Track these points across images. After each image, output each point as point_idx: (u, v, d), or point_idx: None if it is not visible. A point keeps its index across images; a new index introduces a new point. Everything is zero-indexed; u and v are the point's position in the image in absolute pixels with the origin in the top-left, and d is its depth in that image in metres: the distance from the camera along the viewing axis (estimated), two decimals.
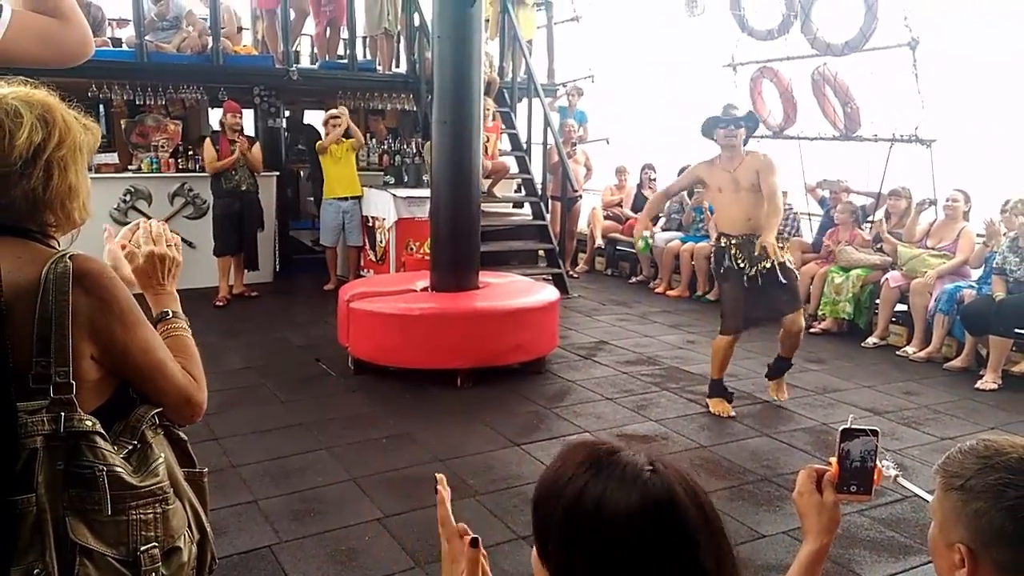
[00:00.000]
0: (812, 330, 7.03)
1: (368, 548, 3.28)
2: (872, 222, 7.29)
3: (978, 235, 6.44)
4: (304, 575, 3.09)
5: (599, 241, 9.86)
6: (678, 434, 4.58)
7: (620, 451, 1.08)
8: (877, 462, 1.48)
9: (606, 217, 9.88)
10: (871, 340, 6.66)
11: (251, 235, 7.75)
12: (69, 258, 1.40)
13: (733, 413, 4.90)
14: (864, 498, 1.50)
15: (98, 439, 1.40)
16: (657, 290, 8.71)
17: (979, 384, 5.57)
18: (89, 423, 1.39)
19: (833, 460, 1.49)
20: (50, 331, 1.36)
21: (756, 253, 4.74)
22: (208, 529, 1.65)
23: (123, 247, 1.73)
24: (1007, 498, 1.14)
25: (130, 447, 1.47)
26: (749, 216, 4.80)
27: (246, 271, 7.90)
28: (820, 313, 7.08)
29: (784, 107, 8.17)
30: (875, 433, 1.47)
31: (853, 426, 1.47)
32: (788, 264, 4.84)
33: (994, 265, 6.02)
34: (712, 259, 5.14)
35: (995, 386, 5.53)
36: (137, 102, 8.20)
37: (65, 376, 1.37)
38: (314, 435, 4.44)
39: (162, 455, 1.53)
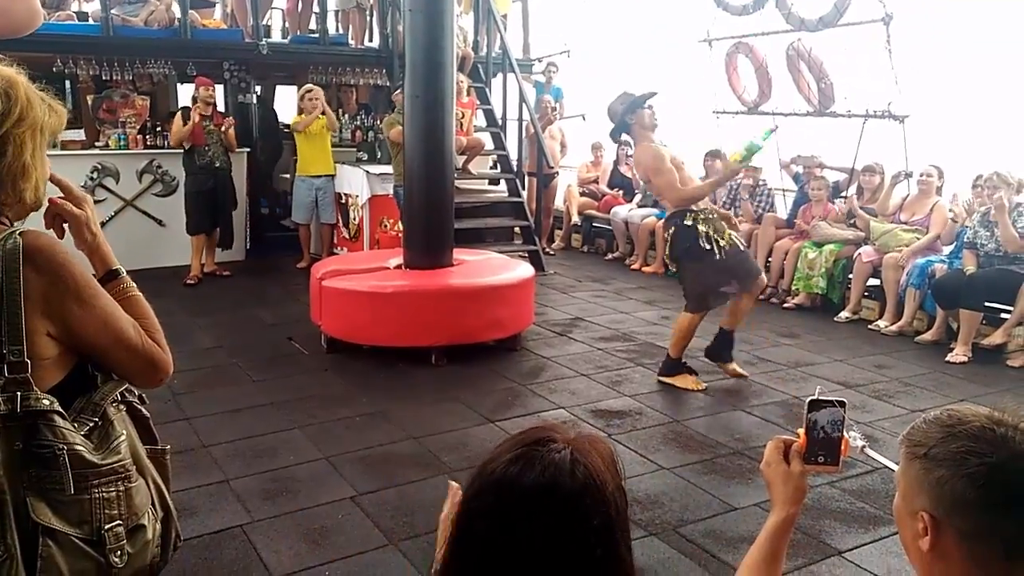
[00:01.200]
0: (785, 305, 7.09)
1: (341, 526, 3.25)
2: (845, 197, 7.32)
3: (949, 209, 6.49)
4: (276, 554, 3.06)
5: (575, 218, 9.83)
6: (652, 409, 4.59)
7: (550, 441, 1.12)
8: (844, 433, 1.48)
9: (582, 194, 9.85)
10: (843, 314, 6.72)
11: (226, 213, 7.64)
12: (19, 235, 1.36)
13: (704, 386, 4.90)
14: (832, 469, 1.50)
15: (56, 418, 1.37)
16: (633, 267, 8.72)
17: (950, 357, 5.63)
18: (47, 402, 1.36)
19: (801, 431, 1.49)
20: (1, 310, 1.33)
21: (724, 230, 4.76)
22: (172, 507, 1.63)
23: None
24: (969, 465, 1.14)
25: (91, 424, 1.44)
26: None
27: (220, 250, 7.81)
28: (794, 288, 7.12)
29: (759, 83, 8.15)
30: (842, 404, 1.47)
31: (820, 397, 1.47)
32: (735, 239, 4.87)
33: (965, 239, 6.07)
34: (674, 239, 4.86)
35: (965, 359, 5.60)
36: (104, 77, 8.02)
37: (19, 355, 1.34)
38: (286, 414, 4.40)
39: (124, 432, 1.51)
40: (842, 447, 1.48)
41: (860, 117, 7.24)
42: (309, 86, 7.99)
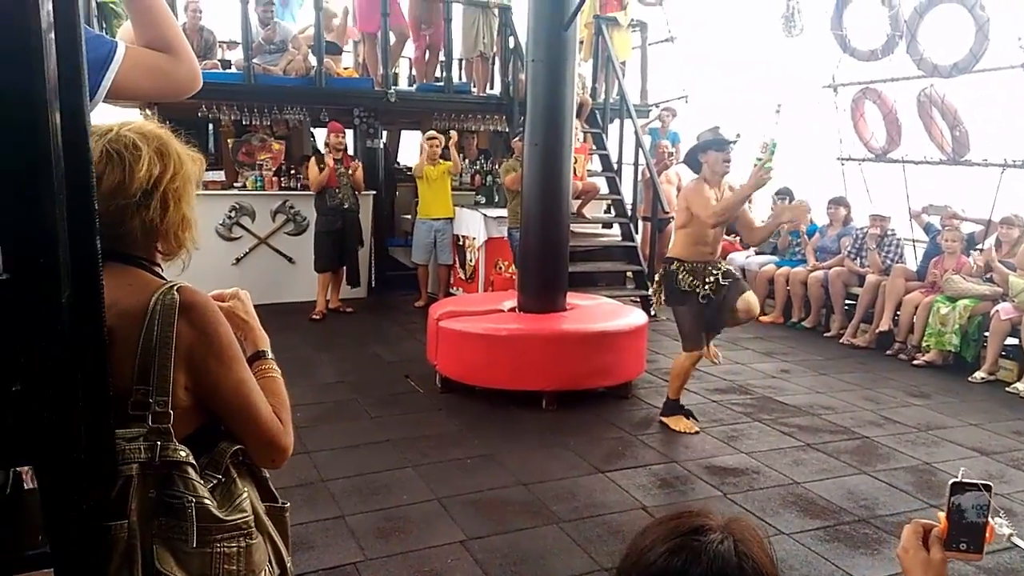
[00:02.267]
0: (915, 362, 6.74)
1: (451, 571, 3.29)
2: (981, 250, 6.93)
3: None
4: None
5: (659, 272, 9.67)
6: (770, 468, 4.44)
7: (707, 530, 1.09)
8: (989, 518, 1.40)
9: None
10: (979, 375, 6.32)
11: (352, 252, 7.97)
12: (177, 290, 1.44)
13: (697, 429, 4.91)
14: (975, 557, 1.42)
15: (190, 470, 1.42)
16: None
17: None
18: (183, 453, 1.41)
19: (942, 515, 1.42)
20: (153, 360, 1.39)
21: (707, 273, 4.81)
22: (288, 564, 1.66)
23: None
24: None
25: (215, 480, 1.48)
26: (712, 250, 4.88)
27: (348, 287, 8.12)
28: (925, 345, 6.76)
29: (888, 129, 7.89)
30: (988, 488, 1.40)
31: (964, 479, 1.40)
32: (728, 269, 4.92)
33: None
34: (662, 284, 5.07)
35: None
36: (244, 122, 8.56)
37: (164, 406, 1.40)
38: (401, 452, 4.50)
39: (246, 490, 1.54)
40: (987, 534, 1.40)
41: (998, 167, 6.88)
42: (432, 132, 8.28)
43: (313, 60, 8.49)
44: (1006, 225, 6.74)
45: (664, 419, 5.08)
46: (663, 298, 5.12)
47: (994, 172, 6.96)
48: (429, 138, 8.22)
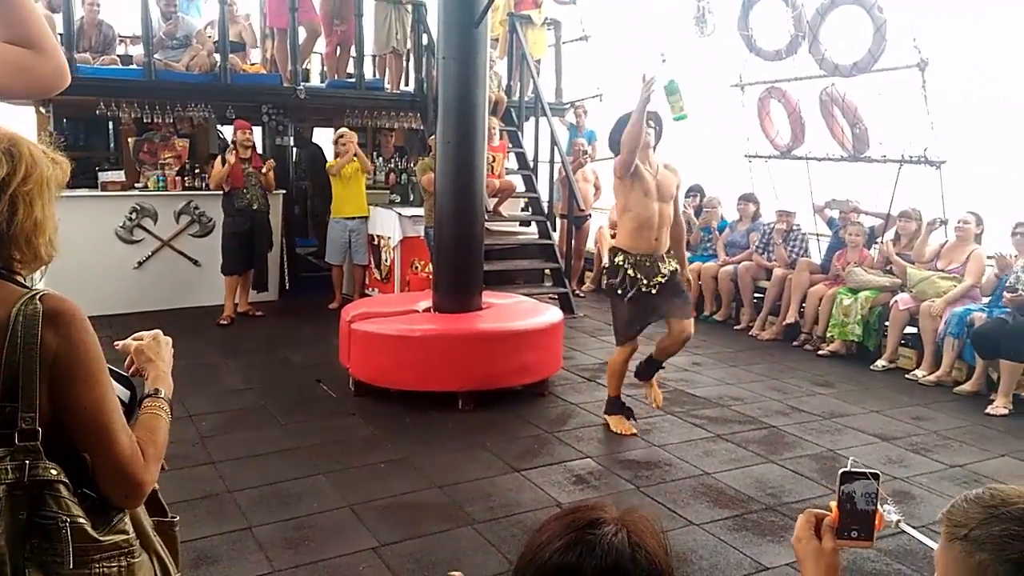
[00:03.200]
0: (820, 352, 6.96)
1: None
2: (881, 243, 7.21)
3: (988, 257, 6.35)
4: None
5: (606, 260, 9.77)
6: (681, 460, 4.50)
7: (601, 523, 1.09)
8: (878, 506, 1.42)
9: (614, 236, 9.80)
10: (880, 363, 6.57)
11: (261, 254, 7.76)
12: (40, 298, 1.35)
13: (635, 431, 4.87)
14: (865, 544, 1.44)
15: (62, 488, 1.34)
16: None
17: (990, 409, 5.47)
18: (54, 471, 1.34)
19: (833, 504, 1.44)
20: (17, 374, 1.31)
21: (656, 272, 4.72)
22: None
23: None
24: (1012, 551, 1.10)
25: (92, 499, 1.41)
26: (657, 236, 4.71)
27: (256, 291, 7.91)
28: (828, 335, 6.99)
29: (792, 127, 8.12)
30: (876, 476, 1.42)
31: (853, 468, 1.42)
32: (676, 272, 4.84)
33: (1007, 287, 5.92)
34: (605, 276, 5.01)
35: (1006, 411, 5.44)
36: (145, 120, 8.22)
37: (31, 422, 1.32)
38: (312, 459, 4.38)
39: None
40: (876, 521, 1.43)
41: (896, 162, 7.16)
42: (342, 130, 8.12)
43: (218, 56, 8.22)
44: (904, 219, 7.02)
45: (606, 417, 5.01)
46: (603, 285, 5.07)
47: (892, 168, 7.24)
48: (339, 136, 8.05)
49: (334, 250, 8.26)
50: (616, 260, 4.82)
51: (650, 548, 1.09)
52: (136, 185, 8.07)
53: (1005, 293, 5.85)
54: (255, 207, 7.58)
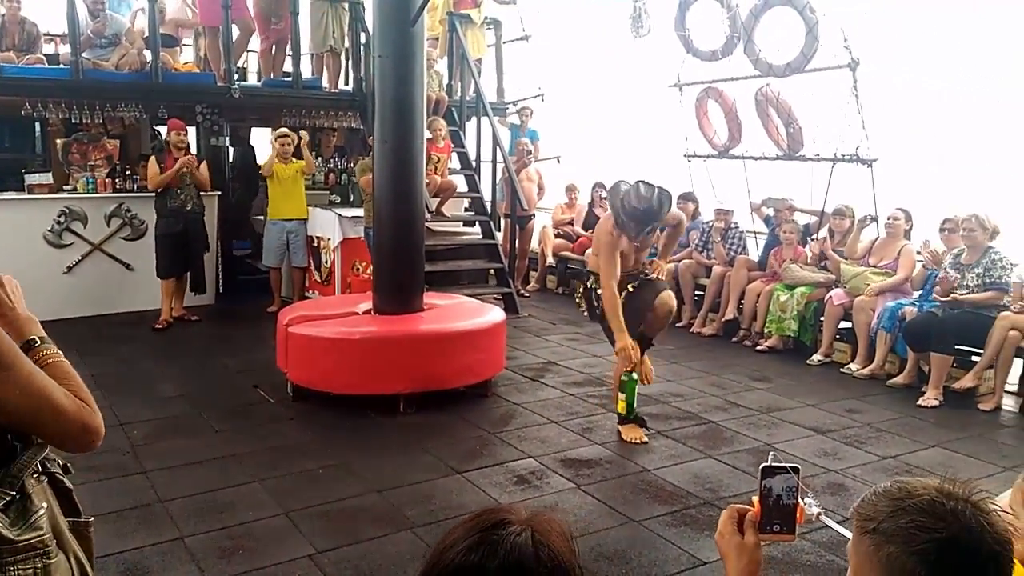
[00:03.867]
0: (758, 348, 7.07)
1: None
2: (816, 240, 7.36)
3: (918, 252, 6.53)
4: None
5: (550, 260, 9.83)
6: (623, 457, 4.52)
7: (507, 524, 1.09)
8: (799, 500, 1.44)
9: (557, 235, 9.85)
10: (816, 357, 6.71)
11: (197, 256, 7.58)
12: None
13: (646, 439, 4.76)
14: (787, 538, 1.45)
15: None
16: None
17: (921, 401, 5.62)
18: None
19: (755, 499, 1.44)
20: None
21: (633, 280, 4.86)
22: None
23: None
24: (918, 541, 1.11)
25: (7, 499, 1.37)
26: (627, 257, 4.85)
27: (193, 294, 7.72)
28: (766, 331, 7.11)
29: (729, 127, 8.24)
30: (796, 470, 1.43)
31: (773, 463, 1.43)
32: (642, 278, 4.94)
33: (936, 281, 6.09)
34: (584, 299, 5.24)
35: (936, 403, 5.59)
36: (74, 121, 7.96)
37: None
38: (247, 467, 4.28)
39: (44, 505, 1.43)
40: (798, 515, 1.44)
41: (829, 161, 7.31)
42: (283, 131, 7.97)
43: (149, 55, 8.00)
44: (838, 216, 7.18)
45: (619, 427, 4.85)
46: (585, 312, 5.23)
47: (826, 166, 7.39)
48: (280, 136, 7.91)
49: (271, 253, 8.10)
50: (589, 284, 5.01)
51: (555, 547, 1.08)
52: (65, 188, 7.79)
53: (936, 285, 6.02)
54: (189, 208, 7.39)
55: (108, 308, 7.58)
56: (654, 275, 5.02)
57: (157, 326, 7.27)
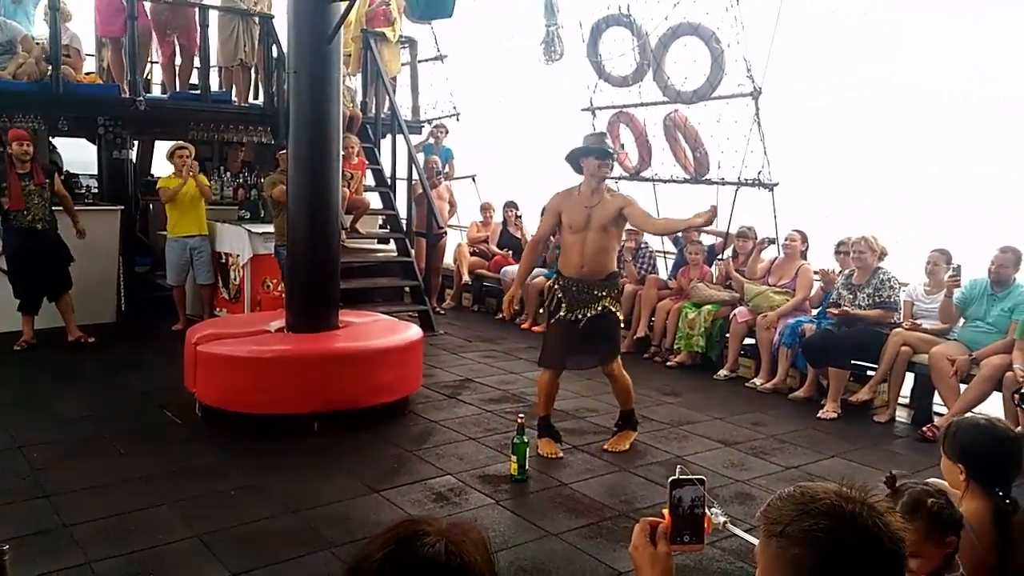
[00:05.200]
0: (668, 364, 7.28)
1: None
2: (721, 260, 7.64)
3: (815, 272, 6.86)
4: None
5: (466, 277, 9.86)
6: (540, 472, 4.57)
7: (423, 535, 1.12)
8: (706, 510, 1.50)
9: (472, 253, 9.91)
10: (722, 372, 6.96)
11: (63, 270, 7.05)
12: None
13: (561, 454, 4.83)
14: (697, 547, 1.51)
15: None
16: (523, 326, 8.77)
17: (821, 413, 5.89)
18: None
19: (665, 511, 1.50)
20: None
21: (584, 304, 4.74)
22: None
23: None
24: (822, 544, 1.18)
25: None
26: (584, 264, 4.73)
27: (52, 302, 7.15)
28: (676, 347, 7.33)
29: (639, 150, 8.49)
30: (702, 482, 1.49)
31: (680, 476, 1.49)
32: (615, 314, 4.83)
33: (831, 300, 6.42)
34: (547, 296, 5.12)
35: (835, 415, 5.87)
36: None
37: None
38: (156, 489, 4.14)
39: None
40: (706, 524, 1.50)
41: (733, 184, 7.61)
42: (181, 143, 7.76)
43: (49, 64, 7.68)
44: (741, 238, 7.48)
45: (537, 440, 4.86)
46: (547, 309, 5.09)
47: (730, 189, 7.70)
48: (177, 148, 7.68)
49: (174, 270, 7.84)
50: (554, 283, 4.96)
51: (468, 556, 1.11)
52: None
53: (829, 308, 6.35)
54: (39, 227, 6.86)
55: None
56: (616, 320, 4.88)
57: (16, 347, 6.85)
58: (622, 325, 5.14)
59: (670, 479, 1.46)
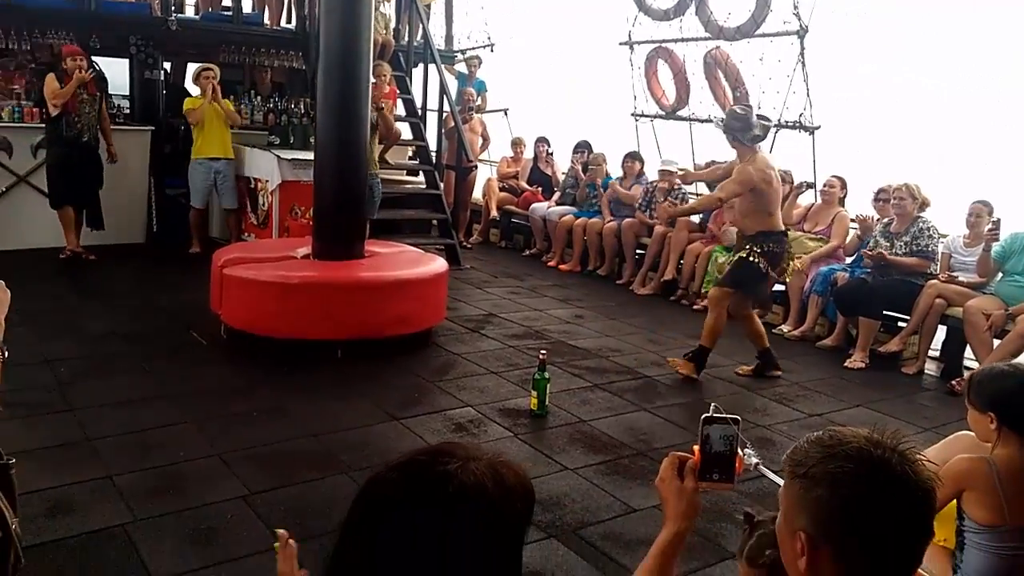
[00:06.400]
0: (695, 307, 7.20)
1: (230, 527, 3.11)
2: None
3: (851, 220, 6.69)
4: (159, 555, 2.91)
5: (494, 213, 9.78)
6: (560, 408, 4.57)
7: (451, 456, 1.11)
8: (738, 450, 1.47)
9: (502, 189, 9.81)
10: None
11: (92, 190, 7.24)
12: None
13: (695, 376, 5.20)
14: (726, 486, 1.48)
15: None
16: (549, 264, 8.73)
17: (848, 363, 5.81)
18: None
19: (696, 447, 1.47)
20: None
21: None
22: (13, 526, 1.49)
23: None
24: (844, 486, 1.14)
25: None
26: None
27: (91, 230, 7.38)
28: (704, 291, 7.23)
29: (677, 88, 8.28)
30: (736, 421, 1.46)
31: (714, 414, 1.45)
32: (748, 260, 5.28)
33: (867, 248, 6.26)
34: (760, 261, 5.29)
35: (863, 365, 5.78)
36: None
37: None
38: (179, 407, 4.20)
39: None
40: (736, 464, 1.47)
41: (773, 126, 7.38)
42: (206, 64, 7.67)
43: None
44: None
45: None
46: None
47: (770, 132, 7.47)
48: (202, 69, 7.61)
49: (198, 193, 7.82)
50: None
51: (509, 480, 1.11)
52: None
53: (865, 252, 6.19)
54: (85, 139, 7.07)
55: (33, 243, 7.29)
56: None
57: (62, 256, 7.03)
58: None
59: (703, 416, 1.44)
